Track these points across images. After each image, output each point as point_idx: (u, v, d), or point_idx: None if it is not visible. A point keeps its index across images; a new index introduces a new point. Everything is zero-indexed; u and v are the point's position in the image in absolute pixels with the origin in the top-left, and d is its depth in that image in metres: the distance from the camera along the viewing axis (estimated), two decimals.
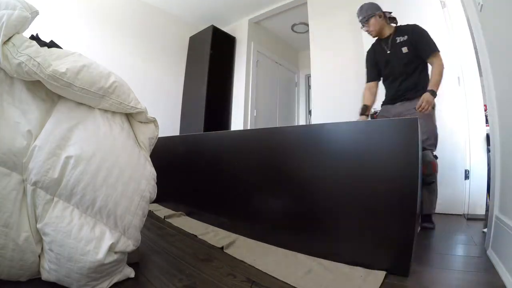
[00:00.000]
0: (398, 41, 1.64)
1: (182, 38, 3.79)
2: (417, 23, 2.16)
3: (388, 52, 1.68)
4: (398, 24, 1.70)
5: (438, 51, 1.55)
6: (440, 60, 1.54)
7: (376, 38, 1.77)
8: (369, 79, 1.81)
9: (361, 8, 1.74)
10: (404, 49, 1.61)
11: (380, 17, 1.67)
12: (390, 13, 1.71)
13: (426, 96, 1.45)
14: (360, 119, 1.70)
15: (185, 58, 3.82)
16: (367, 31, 1.73)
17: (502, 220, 0.99)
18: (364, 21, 1.70)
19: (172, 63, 3.66)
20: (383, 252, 0.96)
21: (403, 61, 1.62)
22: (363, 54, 2.42)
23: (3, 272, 0.71)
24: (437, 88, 1.48)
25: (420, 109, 1.44)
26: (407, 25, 1.67)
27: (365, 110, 1.72)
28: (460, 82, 2.00)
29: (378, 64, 1.77)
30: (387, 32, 1.70)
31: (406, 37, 1.62)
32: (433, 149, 1.54)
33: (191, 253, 1.14)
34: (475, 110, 1.95)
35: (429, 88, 1.48)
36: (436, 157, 1.54)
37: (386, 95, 1.76)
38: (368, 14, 1.67)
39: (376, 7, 1.70)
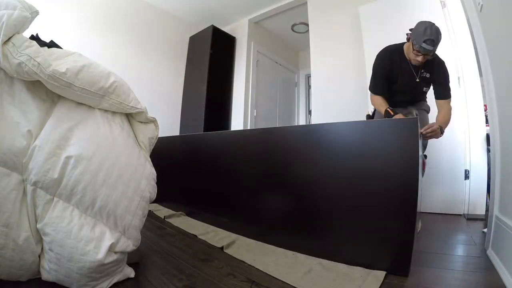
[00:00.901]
0: (423, 75, 1.56)
1: (182, 38, 3.79)
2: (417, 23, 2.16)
3: (416, 82, 1.57)
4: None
5: (451, 97, 1.58)
6: (450, 104, 1.57)
7: (401, 50, 1.60)
8: (380, 92, 1.65)
9: (438, 34, 1.37)
10: (425, 88, 1.60)
11: None
12: None
13: (437, 129, 1.43)
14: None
15: (185, 58, 3.82)
16: (416, 58, 1.45)
17: (502, 220, 0.99)
18: (431, 54, 1.41)
19: (172, 63, 3.66)
20: (383, 252, 0.96)
21: (418, 94, 1.65)
22: (363, 54, 2.43)
23: (3, 272, 0.71)
24: (446, 127, 1.50)
25: (425, 133, 1.44)
26: (433, 58, 1.52)
27: (389, 113, 1.54)
28: (460, 82, 2.00)
29: (388, 79, 1.64)
30: None
31: (429, 75, 1.56)
32: (423, 149, 1.51)
33: (191, 253, 1.14)
34: (475, 110, 1.95)
35: (440, 124, 1.47)
36: (425, 156, 1.51)
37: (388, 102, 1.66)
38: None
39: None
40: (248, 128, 3.50)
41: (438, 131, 1.45)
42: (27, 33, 0.84)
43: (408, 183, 0.92)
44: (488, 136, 1.85)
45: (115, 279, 0.80)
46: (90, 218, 0.76)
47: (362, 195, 1.01)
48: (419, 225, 1.44)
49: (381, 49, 1.92)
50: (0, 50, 0.70)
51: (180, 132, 3.64)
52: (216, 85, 3.52)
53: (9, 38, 0.74)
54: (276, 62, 4.22)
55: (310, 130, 1.23)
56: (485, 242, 1.21)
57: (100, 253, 0.73)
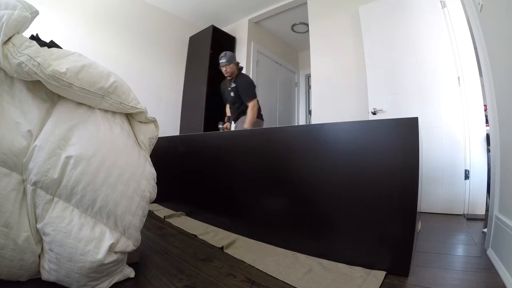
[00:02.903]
0: (232, 85, 2.45)
1: (182, 38, 3.79)
2: (417, 23, 2.17)
3: (229, 89, 2.49)
4: (241, 72, 2.55)
5: (253, 98, 2.37)
6: (253, 105, 2.35)
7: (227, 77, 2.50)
8: (225, 102, 2.66)
9: (226, 55, 2.40)
10: (232, 93, 2.45)
11: (235, 64, 2.44)
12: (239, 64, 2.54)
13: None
14: (224, 127, 2.51)
15: (185, 58, 3.82)
16: (225, 71, 2.42)
17: (502, 220, 0.99)
18: (224, 65, 2.39)
19: (172, 63, 3.66)
20: (383, 252, 0.96)
21: (233, 99, 2.47)
22: (363, 54, 2.44)
23: (3, 272, 0.71)
24: (249, 125, 2.30)
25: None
26: (239, 76, 2.48)
27: (229, 119, 2.61)
28: (460, 82, 2.00)
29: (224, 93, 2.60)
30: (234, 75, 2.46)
31: (234, 85, 2.42)
32: None
33: (191, 253, 1.14)
34: (475, 110, 1.95)
35: (245, 126, 2.30)
36: None
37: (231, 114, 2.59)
38: (230, 60, 2.39)
39: (234, 57, 2.46)
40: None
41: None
42: (27, 33, 0.84)
43: (408, 183, 0.92)
44: (488, 136, 1.85)
45: (115, 279, 0.80)
46: (90, 218, 0.76)
47: (362, 195, 1.01)
48: (419, 225, 1.44)
49: (380, 48, 2.26)
50: (0, 50, 0.71)
51: (180, 132, 3.64)
52: (216, 85, 3.50)
53: (9, 38, 0.74)
54: (276, 62, 4.22)
55: (310, 130, 1.23)
56: (485, 242, 1.21)
57: (100, 253, 0.73)
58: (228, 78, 2.48)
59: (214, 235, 1.36)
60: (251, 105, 2.34)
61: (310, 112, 3.26)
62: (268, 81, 4.04)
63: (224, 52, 2.43)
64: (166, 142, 2.02)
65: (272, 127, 1.57)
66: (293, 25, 3.87)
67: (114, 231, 0.79)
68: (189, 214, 1.78)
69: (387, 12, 2.32)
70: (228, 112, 2.65)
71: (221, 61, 2.40)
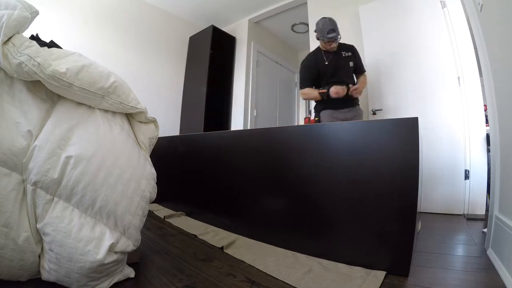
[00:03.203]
0: (344, 55, 1.96)
1: (182, 38, 3.79)
2: (417, 23, 2.17)
3: (343, 58, 1.96)
4: (341, 41, 1.97)
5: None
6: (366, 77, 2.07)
7: (318, 49, 2.02)
8: (310, 85, 1.99)
9: (335, 25, 1.87)
10: (351, 63, 1.98)
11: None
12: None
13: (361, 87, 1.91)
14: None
15: (185, 58, 3.82)
16: (330, 46, 1.90)
17: (502, 220, 0.99)
18: (336, 39, 1.88)
19: (172, 63, 3.66)
20: (383, 252, 0.96)
21: (349, 73, 1.99)
22: (363, 53, 2.43)
23: (3, 272, 0.71)
24: (361, 87, 1.93)
25: (355, 90, 1.85)
26: (347, 44, 2.02)
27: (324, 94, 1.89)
28: (460, 82, 2.00)
29: (319, 72, 1.97)
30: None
31: (350, 53, 1.99)
32: None
33: (191, 253, 1.14)
34: (475, 110, 1.95)
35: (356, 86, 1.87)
36: None
37: (329, 101, 1.91)
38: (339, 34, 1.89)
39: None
40: (248, 128, 3.49)
41: (359, 90, 1.86)
42: (27, 33, 0.84)
43: (408, 183, 0.92)
44: (488, 136, 1.85)
45: (115, 279, 0.80)
46: (90, 218, 0.76)
47: (362, 195, 1.01)
48: (419, 225, 1.44)
49: (380, 48, 2.24)
50: (0, 50, 0.71)
51: (180, 132, 3.64)
52: (216, 85, 3.51)
53: (9, 38, 0.74)
54: (276, 62, 4.22)
55: (310, 130, 1.23)
56: (485, 242, 1.21)
57: (100, 253, 0.73)
58: (330, 49, 1.93)
59: (214, 235, 1.36)
60: (365, 76, 2.03)
61: (310, 112, 3.26)
62: (268, 81, 4.04)
63: (328, 20, 1.84)
64: (166, 142, 2.02)
65: (272, 127, 1.57)
66: (293, 25, 3.86)
67: (114, 231, 0.79)
68: (189, 214, 1.78)
69: (387, 12, 2.32)
70: (317, 94, 1.91)
71: (330, 35, 1.82)
